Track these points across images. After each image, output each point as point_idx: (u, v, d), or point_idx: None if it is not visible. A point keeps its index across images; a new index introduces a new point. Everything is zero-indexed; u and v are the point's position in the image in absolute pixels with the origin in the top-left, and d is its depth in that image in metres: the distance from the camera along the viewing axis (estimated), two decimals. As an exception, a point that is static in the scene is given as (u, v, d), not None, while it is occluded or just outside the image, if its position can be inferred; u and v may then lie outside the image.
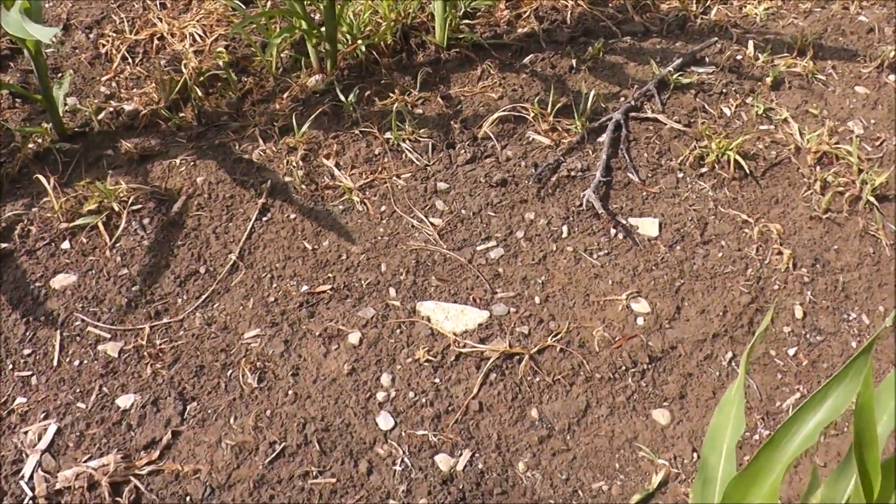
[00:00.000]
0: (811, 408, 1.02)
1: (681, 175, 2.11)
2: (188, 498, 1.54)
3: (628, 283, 1.88)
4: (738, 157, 2.09)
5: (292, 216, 1.98)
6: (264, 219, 1.97)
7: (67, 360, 1.72)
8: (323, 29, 2.24)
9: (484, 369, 1.71)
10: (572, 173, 2.08)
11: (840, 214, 2.02)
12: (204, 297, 1.83)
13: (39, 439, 1.61)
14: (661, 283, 1.88)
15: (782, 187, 2.09)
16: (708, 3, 2.60)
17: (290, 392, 1.68)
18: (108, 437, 1.62)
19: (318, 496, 1.54)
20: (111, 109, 2.22)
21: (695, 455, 1.61)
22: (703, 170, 2.11)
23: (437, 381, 1.70)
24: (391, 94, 2.26)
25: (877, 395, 1.12)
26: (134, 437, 1.62)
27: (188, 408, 1.66)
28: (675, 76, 2.31)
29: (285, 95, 2.26)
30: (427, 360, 1.73)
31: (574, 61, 2.37)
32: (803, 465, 1.60)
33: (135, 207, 1.98)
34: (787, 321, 1.83)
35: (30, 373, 1.70)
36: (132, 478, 1.56)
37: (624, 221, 1.99)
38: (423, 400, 1.68)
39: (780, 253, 1.94)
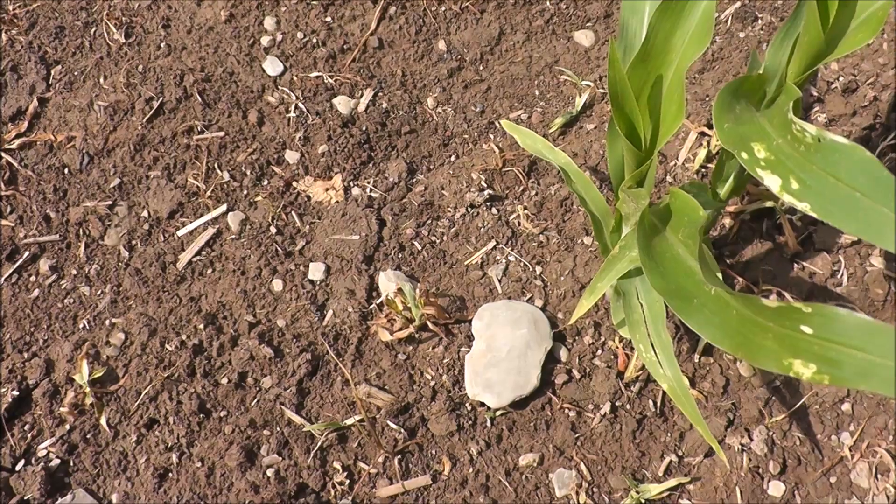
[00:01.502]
0: None
1: None
2: (66, 169, 1.27)
3: None
4: None
5: None
6: None
7: None
8: None
9: (381, 3, 1.39)
10: None
11: None
12: (59, -46, 1.46)
13: None
14: None
15: None
16: None
17: (162, 45, 1.36)
18: (-30, 114, 1.31)
19: (206, 153, 1.27)
20: None
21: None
22: None
23: (328, 19, 1.38)
24: None
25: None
26: (-3, 110, 1.32)
27: (52, 72, 1.35)
28: None
29: None
30: (316, -3, 1.40)
31: None
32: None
33: None
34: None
35: None
36: (2, 154, 1.28)
37: None
38: (315, 40, 1.36)
39: None
